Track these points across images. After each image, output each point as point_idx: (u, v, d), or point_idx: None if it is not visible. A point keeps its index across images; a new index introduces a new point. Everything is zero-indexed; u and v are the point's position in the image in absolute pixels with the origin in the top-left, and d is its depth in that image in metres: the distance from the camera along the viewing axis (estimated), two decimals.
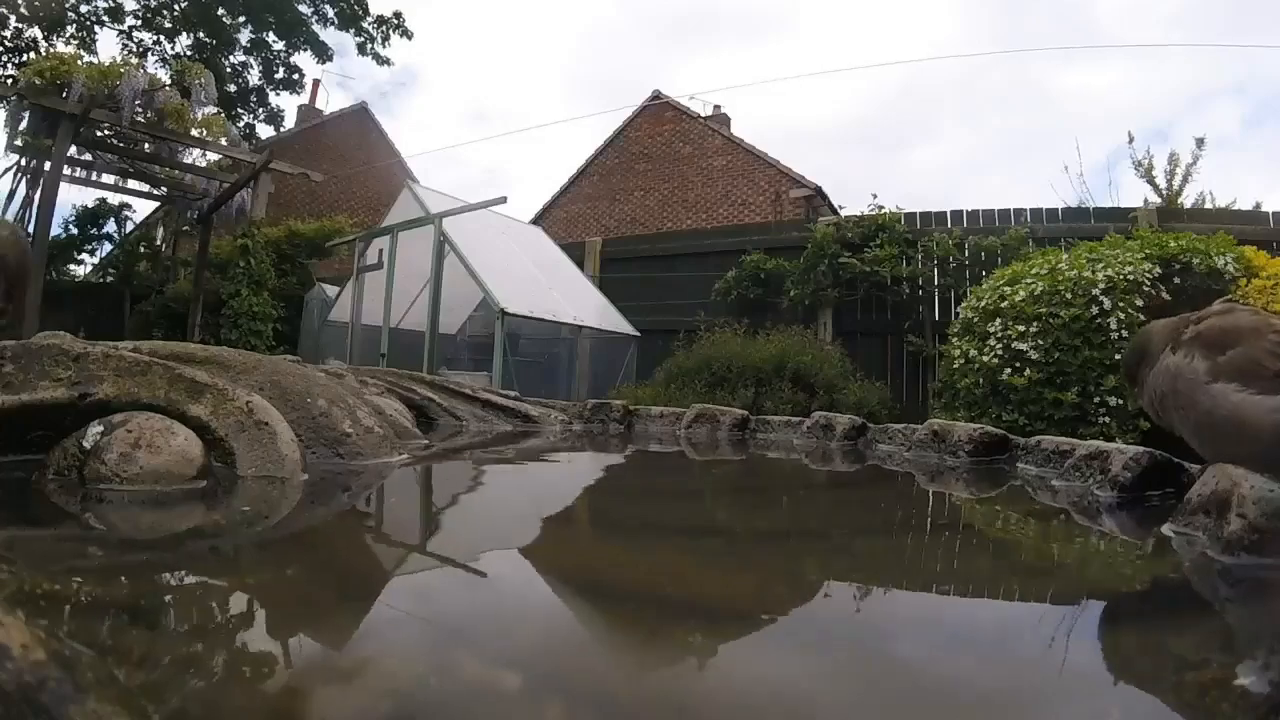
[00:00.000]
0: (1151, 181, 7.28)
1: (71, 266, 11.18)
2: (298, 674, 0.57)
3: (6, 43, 10.95)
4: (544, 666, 0.60)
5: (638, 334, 7.10)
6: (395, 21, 12.90)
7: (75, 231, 10.50)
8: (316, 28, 12.71)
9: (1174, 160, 7.24)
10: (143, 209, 10.75)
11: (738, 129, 15.96)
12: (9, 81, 9.41)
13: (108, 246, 10.88)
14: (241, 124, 12.60)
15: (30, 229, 6.64)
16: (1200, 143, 7.19)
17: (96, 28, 11.63)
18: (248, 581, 0.80)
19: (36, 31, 11.00)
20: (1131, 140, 7.37)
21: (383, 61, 13.07)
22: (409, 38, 13.13)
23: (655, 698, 0.56)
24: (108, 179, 7.99)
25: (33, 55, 8.83)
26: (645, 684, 0.59)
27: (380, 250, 7.22)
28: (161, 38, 12.04)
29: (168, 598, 0.72)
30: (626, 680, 0.60)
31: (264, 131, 13.42)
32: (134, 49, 11.71)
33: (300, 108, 17.02)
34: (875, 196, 6.85)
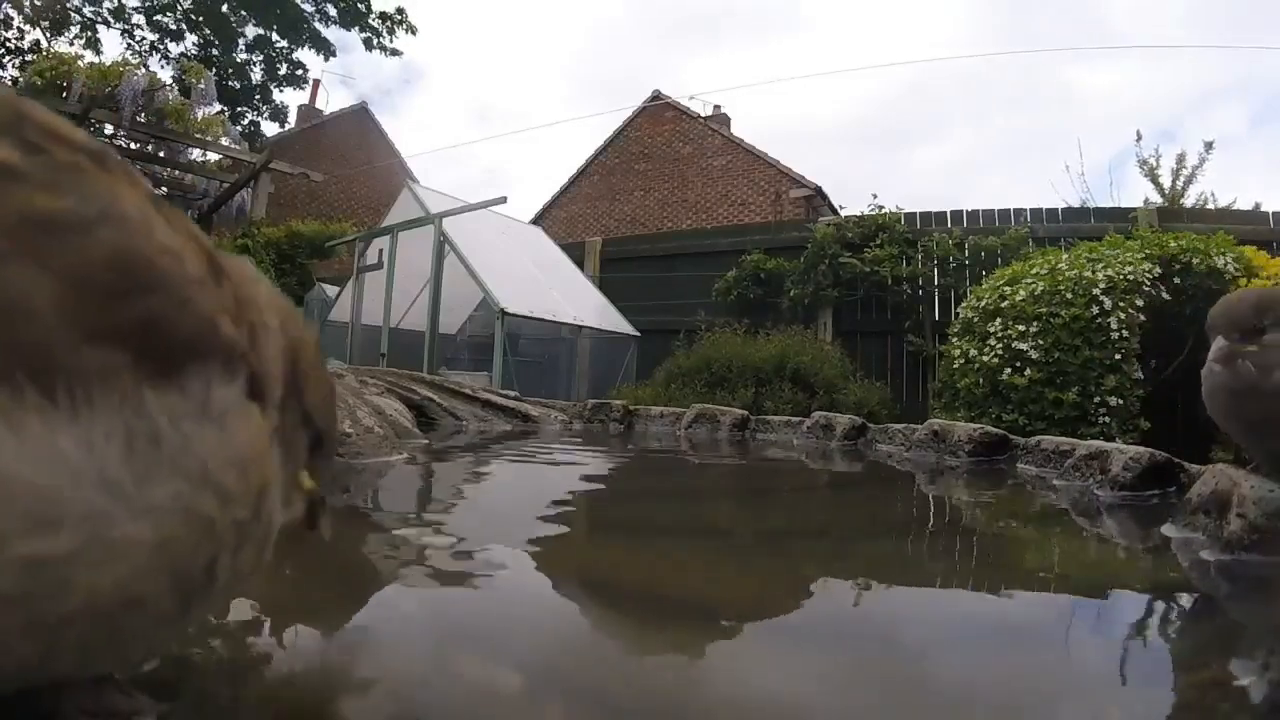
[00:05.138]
0: (1156, 181, 7.28)
1: None
2: (297, 672, 0.57)
3: (9, 44, 10.96)
4: (542, 665, 0.60)
5: (638, 334, 7.10)
6: (398, 18, 12.90)
7: None
8: (319, 25, 12.72)
9: (1181, 160, 7.25)
10: None
11: (738, 129, 15.97)
12: (10, 82, 9.41)
13: None
14: (246, 121, 12.59)
15: None
16: (1209, 146, 7.19)
17: (100, 28, 11.63)
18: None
19: (39, 34, 11.01)
20: (1140, 139, 7.37)
21: (391, 53, 13.07)
22: (413, 33, 13.13)
23: (648, 695, 0.56)
24: None
25: (34, 56, 8.82)
26: (640, 683, 0.59)
27: (380, 250, 7.22)
28: (165, 37, 12.05)
29: None
30: (623, 680, 0.60)
31: (269, 128, 13.43)
32: (137, 49, 11.72)
33: (300, 108, 17.01)
34: (875, 196, 6.86)
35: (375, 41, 12.94)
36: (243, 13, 12.18)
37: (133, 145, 7.30)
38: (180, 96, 6.93)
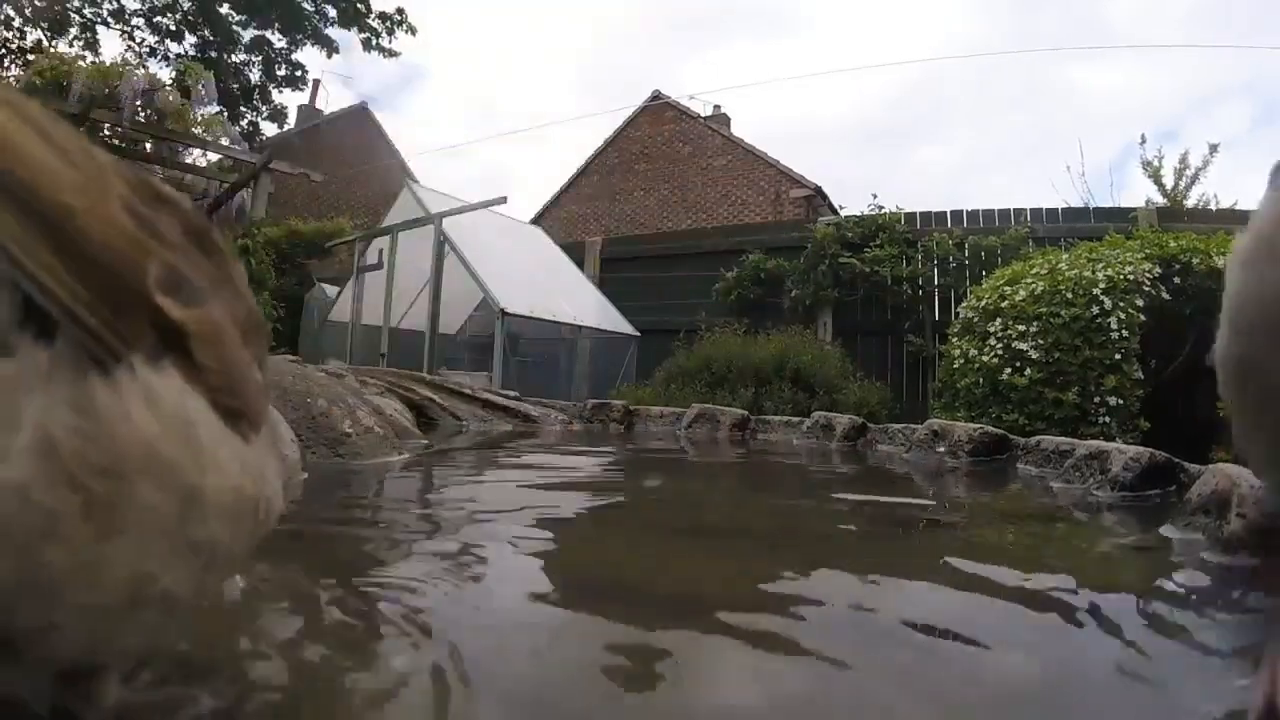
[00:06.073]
0: (1159, 182, 7.29)
1: None
2: (298, 672, 0.57)
3: (9, 44, 10.96)
4: (537, 682, 0.60)
5: (638, 334, 7.10)
6: (398, 18, 12.90)
7: None
8: (319, 25, 12.72)
9: (1184, 161, 7.26)
10: None
11: (738, 129, 15.97)
12: (10, 82, 9.41)
13: None
14: (245, 121, 12.59)
15: None
16: (1214, 148, 7.20)
17: (100, 29, 11.64)
18: (246, 581, 0.80)
19: (39, 34, 11.02)
20: (1144, 141, 7.40)
21: (389, 54, 13.08)
22: (413, 33, 13.13)
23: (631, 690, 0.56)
24: None
25: (35, 56, 8.83)
26: (626, 680, 0.59)
27: (380, 250, 7.22)
28: (165, 38, 12.05)
29: None
30: (609, 680, 0.60)
31: (268, 129, 13.44)
32: (137, 50, 11.73)
33: (300, 108, 17.01)
34: (875, 196, 6.87)
35: (373, 42, 12.94)
36: (244, 15, 12.18)
37: (133, 145, 7.30)
38: (180, 97, 6.93)
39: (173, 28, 12.05)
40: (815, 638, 0.69)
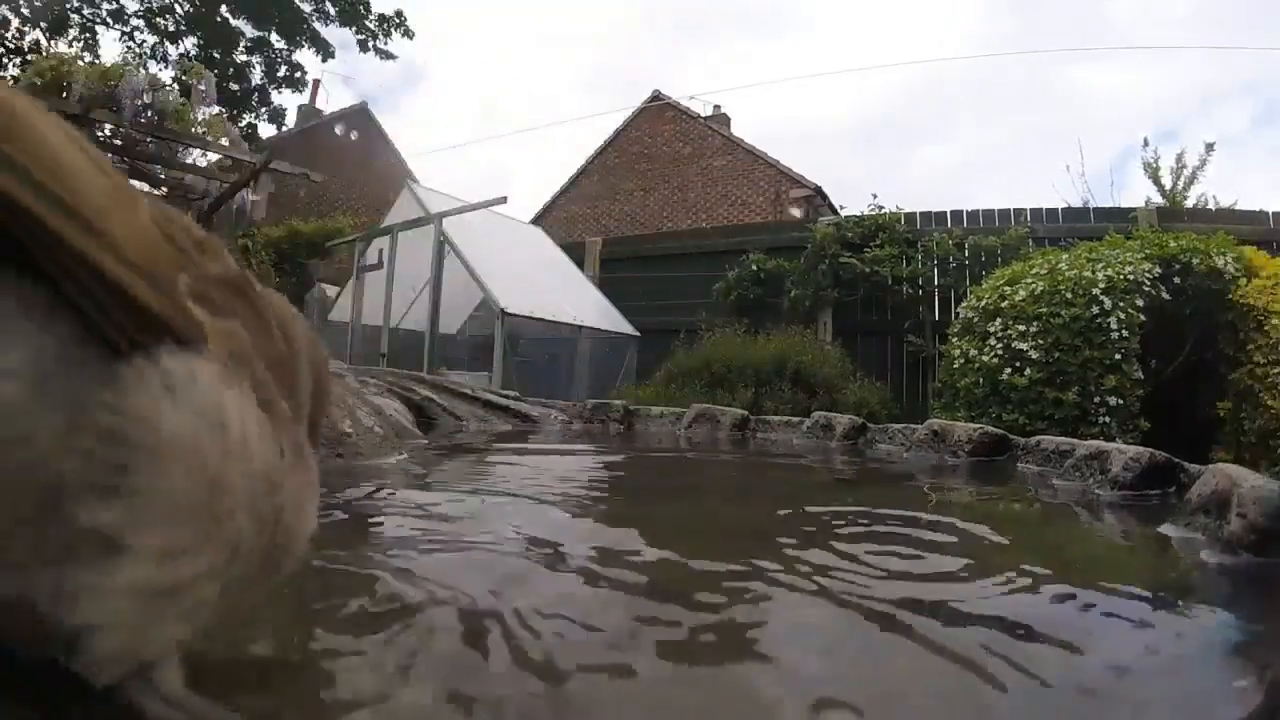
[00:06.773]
0: (1158, 182, 7.32)
1: None
2: (291, 676, 0.57)
3: (8, 43, 10.97)
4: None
5: (638, 334, 7.10)
6: (397, 20, 12.91)
7: None
8: (318, 25, 12.74)
9: (1180, 160, 7.29)
10: None
11: (738, 129, 15.98)
12: (10, 82, 9.42)
13: None
14: (244, 123, 12.60)
15: None
16: (1210, 147, 7.22)
17: (99, 29, 11.65)
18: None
19: (38, 34, 11.03)
20: (1147, 144, 7.44)
21: (386, 56, 13.10)
22: (410, 36, 13.15)
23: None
24: None
25: (34, 56, 8.84)
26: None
27: (380, 250, 7.22)
28: (164, 40, 12.06)
29: None
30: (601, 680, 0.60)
31: (266, 130, 13.45)
32: (137, 51, 11.73)
33: (300, 108, 17.01)
34: (875, 196, 6.87)
35: (370, 44, 12.96)
36: (241, 15, 12.19)
37: (134, 145, 7.29)
38: (180, 97, 6.93)
39: (171, 29, 12.06)
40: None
